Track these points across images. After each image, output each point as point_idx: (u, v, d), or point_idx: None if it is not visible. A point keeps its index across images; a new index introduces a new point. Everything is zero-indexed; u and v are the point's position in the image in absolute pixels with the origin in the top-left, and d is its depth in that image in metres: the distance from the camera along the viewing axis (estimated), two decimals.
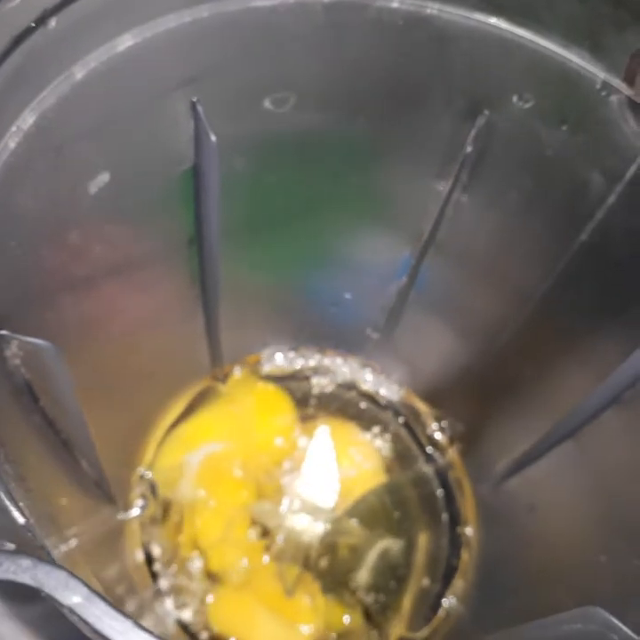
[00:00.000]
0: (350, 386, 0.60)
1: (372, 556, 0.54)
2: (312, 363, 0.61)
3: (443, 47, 0.36)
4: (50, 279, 0.32)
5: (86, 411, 0.35)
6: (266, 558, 0.52)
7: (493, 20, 0.34)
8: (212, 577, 0.52)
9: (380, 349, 0.59)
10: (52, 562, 0.14)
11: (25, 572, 0.13)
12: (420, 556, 0.55)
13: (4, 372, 0.28)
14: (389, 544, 0.54)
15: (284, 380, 0.60)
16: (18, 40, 0.25)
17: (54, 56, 0.27)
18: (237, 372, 0.60)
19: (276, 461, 0.56)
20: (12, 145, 0.26)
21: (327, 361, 0.61)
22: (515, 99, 0.37)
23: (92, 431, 0.37)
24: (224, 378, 0.59)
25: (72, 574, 0.13)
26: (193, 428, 0.57)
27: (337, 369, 0.61)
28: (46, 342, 0.27)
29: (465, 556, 0.54)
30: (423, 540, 0.55)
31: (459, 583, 0.54)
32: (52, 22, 0.26)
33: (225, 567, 0.52)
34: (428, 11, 0.34)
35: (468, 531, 0.55)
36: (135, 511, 0.53)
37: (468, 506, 0.56)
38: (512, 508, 0.52)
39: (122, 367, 0.46)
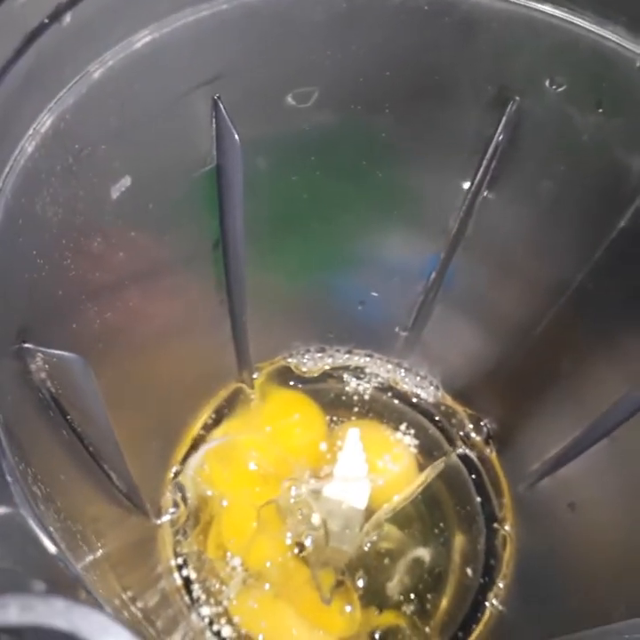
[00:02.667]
0: (381, 386, 0.59)
1: (409, 560, 0.52)
2: (340, 363, 0.60)
3: (469, 32, 0.35)
4: (73, 288, 0.31)
5: (114, 421, 0.34)
6: (299, 564, 0.51)
7: (525, 1, 0.32)
8: (245, 582, 0.50)
9: (410, 348, 0.57)
10: (89, 600, 0.12)
11: (59, 615, 0.12)
12: (459, 558, 0.53)
13: (29, 386, 0.27)
14: (427, 547, 0.53)
15: (312, 382, 0.59)
16: (31, 38, 0.24)
17: (70, 54, 0.26)
18: (265, 376, 0.58)
19: (307, 464, 0.55)
20: (30, 149, 0.25)
21: (356, 361, 0.60)
22: (547, 83, 0.35)
23: (120, 442, 0.36)
24: (252, 382, 0.58)
25: (111, 616, 0.12)
26: (222, 433, 0.55)
27: (366, 369, 0.59)
28: (72, 354, 0.26)
29: (505, 556, 0.53)
30: (461, 541, 0.54)
31: (499, 585, 0.52)
32: (67, 18, 0.25)
33: (258, 571, 0.51)
34: None
35: (507, 530, 0.53)
36: (166, 517, 0.52)
37: (505, 505, 0.54)
38: (551, 506, 0.50)
39: (149, 375, 0.45)
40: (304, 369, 0.59)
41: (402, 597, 0.51)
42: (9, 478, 0.17)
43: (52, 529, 0.19)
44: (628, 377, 0.41)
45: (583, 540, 0.46)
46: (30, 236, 0.26)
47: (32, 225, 0.26)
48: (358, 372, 0.59)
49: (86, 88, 0.27)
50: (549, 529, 0.50)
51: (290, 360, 0.59)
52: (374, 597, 0.51)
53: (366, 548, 0.52)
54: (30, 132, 0.25)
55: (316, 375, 0.59)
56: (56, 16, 0.24)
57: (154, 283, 0.42)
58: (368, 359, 0.59)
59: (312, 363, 0.59)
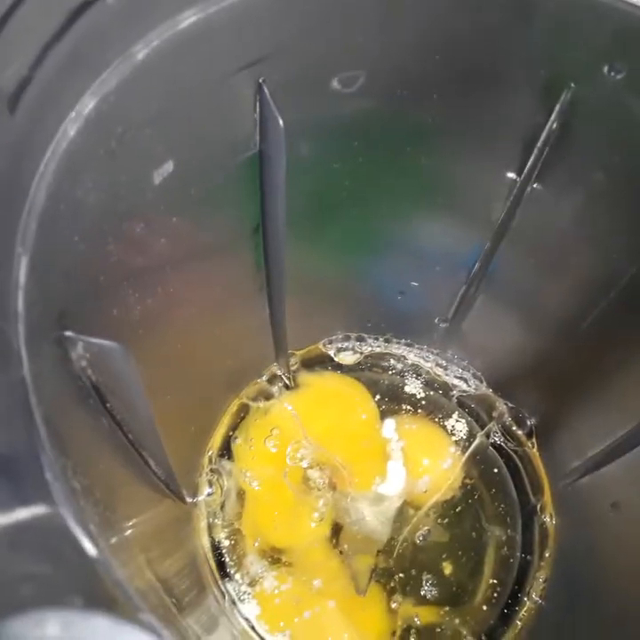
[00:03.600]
0: (420, 376, 0.58)
1: (446, 554, 0.52)
2: (379, 351, 0.59)
3: (525, 14, 0.33)
4: (114, 274, 0.31)
5: (153, 406, 0.33)
6: (333, 553, 0.51)
7: None
8: (278, 569, 0.50)
9: (449, 339, 0.56)
10: (128, 606, 0.12)
11: (100, 635, 0.11)
12: (497, 552, 0.52)
13: (69, 375, 0.26)
14: (465, 541, 0.52)
15: (350, 370, 0.58)
16: (74, 16, 0.23)
17: (113, 34, 0.26)
18: (302, 362, 0.58)
19: (350, 453, 0.54)
20: (72, 132, 0.24)
21: (395, 350, 0.59)
22: (605, 69, 0.34)
23: (159, 429, 0.35)
24: (288, 368, 0.57)
25: (159, 634, 0.11)
26: (262, 416, 0.55)
27: (405, 358, 0.59)
28: (113, 343, 0.26)
29: (545, 552, 0.52)
30: (500, 536, 0.53)
31: (539, 580, 0.52)
32: None
33: (291, 561, 0.50)
34: None
35: (546, 526, 0.52)
36: (201, 497, 0.52)
37: (545, 501, 0.53)
38: (592, 505, 0.49)
39: (187, 360, 0.45)
40: (342, 356, 0.58)
41: (438, 590, 0.50)
42: (48, 476, 0.17)
43: (91, 526, 0.18)
44: None
45: (625, 541, 0.45)
46: (72, 221, 0.26)
47: (73, 209, 0.26)
48: (397, 361, 0.59)
49: (130, 69, 0.27)
50: (591, 527, 0.49)
51: (328, 346, 0.59)
52: (410, 591, 0.50)
53: (403, 542, 0.51)
54: (72, 114, 0.24)
55: (353, 363, 0.58)
56: None
57: (194, 268, 0.41)
58: (407, 348, 0.59)
59: (350, 351, 0.58)
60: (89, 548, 0.16)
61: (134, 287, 0.33)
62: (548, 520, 0.52)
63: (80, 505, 0.20)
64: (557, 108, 0.36)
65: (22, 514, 0.16)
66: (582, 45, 0.34)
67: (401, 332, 0.58)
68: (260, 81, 0.33)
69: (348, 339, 0.59)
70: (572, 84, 0.35)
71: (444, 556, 0.51)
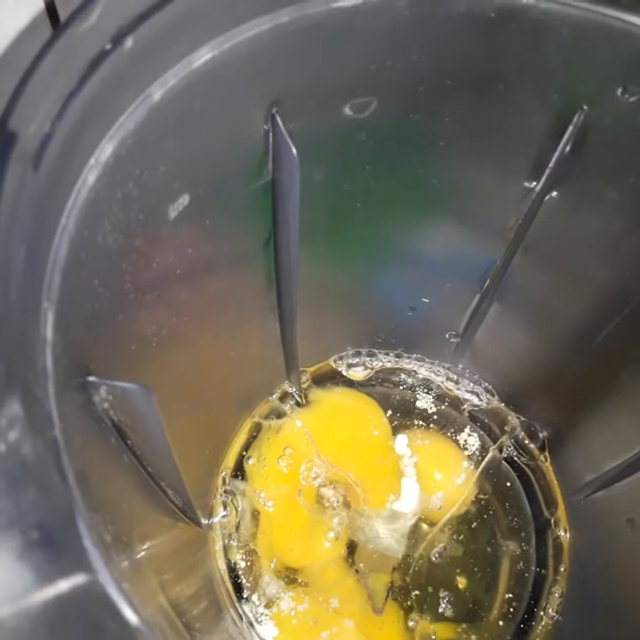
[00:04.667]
0: (431, 391, 0.58)
1: (462, 570, 0.52)
2: (390, 367, 0.59)
3: (538, 39, 0.33)
4: (132, 311, 0.31)
5: (169, 435, 0.33)
6: (348, 571, 0.51)
7: (600, 8, 0.31)
8: (295, 589, 0.50)
9: (461, 354, 0.56)
10: None
11: None
12: (512, 567, 0.52)
13: (93, 418, 0.26)
14: (480, 557, 0.52)
15: (361, 386, 0.58)
16: (94, 65, 0.23)
17: (132, 78, 0.25)
18: (313, 379, 0.58)
19: (363, 470, 0.54)
20: (92, 179, 0.24)
21: (406, 365, 0.59)
22: (619, 92, 0.34)
23: (175, 454, 0.35)
24: (300, 385, 0.57)
25: None
26: (274, 435, 0.55)
27: (416, 373, 0.58)
28: (136, 385, 0.26)
29: (560, 567, 0.52)
30: (514, 550, 0.53)
31: (555, 595, 0.51)
32: (129, 42, 0.24)
33: (307, 580, 0.50)
34: (525, 0, 0.31)
35: (561, 541, 0.52)
36: (216, 519, 0.52)
37: (559, 516, 0.53)
38: (608, 520, 0.49)
39: (202, 383, 0.45)
40: (352, 372, 0.58)
41: (455, 607, 0.50)
42: (86, 542, 0.17)
43: (126, 586, 0.18)
44: None
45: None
46: (92, 267, 0.26)
47: (94, 255, 0.26)
48: (408, 376, 0.58)
49: (147, 111, 0.26)
50: (606, 543, 0.49)
51: (339, 362, 0.59)
52: (427, 608, 0.50)
53: (419, 559, 0.51)
54: (92, 162, 0.24)
55: (364, 379, 0.58)
56: (118, 40, 0.24)
57: (208, 294, 0.41)
58: (418, 363, 0.58)
59: (361, 366, 0.58)
60: (131, 616, 0.16)
61: (151, 321, 0.33)
62: (563, 534, 0.52)
63: (113, 559, 0.20)
64: (570, 130, 0.36)
65: (64, 586, 0.16)
66: (595, 69, 0.34)
67: (411, 347, 0.58)
68: (274, 111, 0.33)
69: (358, 354, 0.59)
70: (585, 107, 0.35)
71: (459, 572, 0.51)
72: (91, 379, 0.25)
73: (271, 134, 0.34)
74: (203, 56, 0.28)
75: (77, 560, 0.16)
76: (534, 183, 0.40)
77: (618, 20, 0.31)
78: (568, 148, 0.36)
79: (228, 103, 0.31)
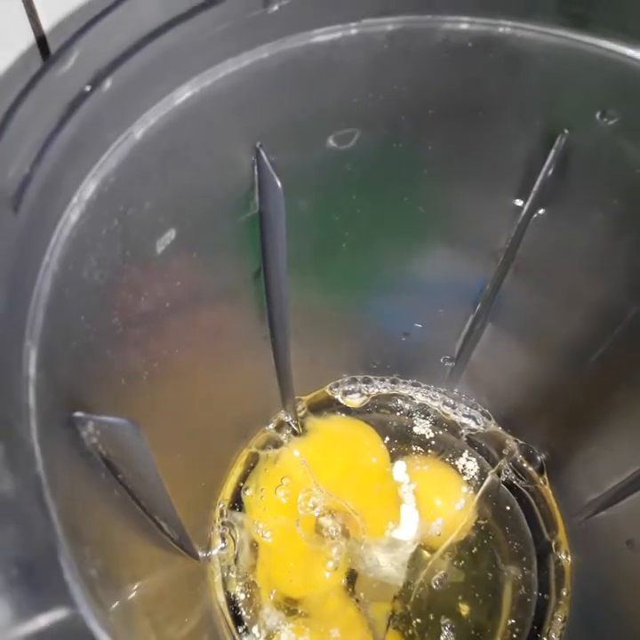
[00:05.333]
0: (428, 416, 0.58)
1: (463, 597, 0.51)
2: (386, 393, 0.59)
3: (516, 67, 0.34)
4: (121, 346, 0.31)
5: (163, 467, 0.33)
6: (349, 600, 0.50)
7: (575, 35, 0.31)
8: (295, 620, 0.50)
9: (456, 378, 0.56)
10: None
11: None
12: (514, 592, 0.52)
13: (81, 453, 0.26)
14: (481, 583, 0.51)
15: (358, 413, 0.58)
16: (73, 107, 0.23)
17: (112, 118, 0.26)
18: (309, 407, 0.58)
19: (362, 498, 0.54)
20: (74, 217, 0.25)
21: (402, 390, 0.59)
22: (597, 115, 0.34)
23: (169, 487, 0.35)
24: (296, 414, 0.57)
25: None
26: (271, 465, 0.55)
27: (413, 398, 0.59)
28: (123, 419, 0.26)
29: (562, 591, 0.51)
30: (515, 575, 0.52)
31: (557, 619, 0.51)
32: (107, 83, 0.25)
33: (307, 609, 0.50)
34: (501, 29, 0.32)
35: (562, 564, 0.52)
36: (215, 551, 0.52)
37: (560, 539, 0.53)
38: (608, 542, 0.49)
39: (196, 416, 0.45)
40: (349, 399, 0.58)
41: (457, 634, 0.50)
42: (67, 577, 0.17)
43: (112, 620, 0.18)
44: None
45: None
46: (77, 303, 0.26)
47: (79, 291, 0.26)
48: (404, 401, 0.58)
49: (129, 149, 0.27)
50: (607, 566, 0.48)
51: (335, 390, 0.59)
52: (429, 636, 0.49)
53: (420, 586, 0.51)
54: (74, 200, 0.24)
55: (360, 406, 0.58)
56: (96, 82, 0.24)
57: (200, 325, 0.42)
58: (414, 388, 0.59)
59: (357, 393, 0.58)
60: None
61: (141, 355, 0.33)
62: (564, 557, 0.52)
63: (97, 593, 0.20)
64: (552, 154, 0.37)
65: (43, 621, 0.16)
66: (574, 95, 0.34)
67: (407, 373, 0.58)
68: (258, 145, 0.33)
69: (354, 381, 0.59)
70: (566, 131, 0.36)
71: (461, 599, 0.51)
72: (77, 414, 0.25)
73: (256, 167, 0.34)
74: (184, 94, 0.29)
75: (58, 595, 0.17)
76: (521, 203, 0.40)
77: (593, 47, 0.31)
78: (551, 172, 0.37)
79: (211, 139, 0.31)
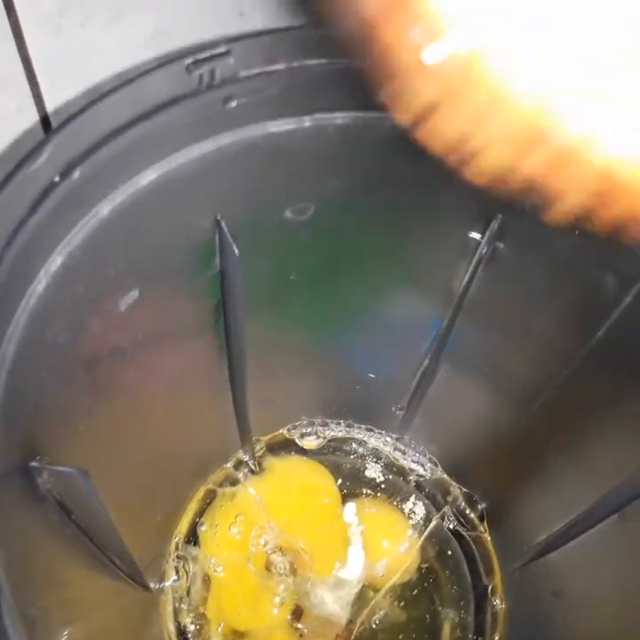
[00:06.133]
0: (379, 461, 0.61)
1: (403, 636, 0.54)
2: (341, 436, 0.62)
3: None
4: (81, 398, 0.34)
5: (119, 503, 0.36)
6: (294, 635, 0.53)
7: None
8: None
9: (406, 425, 0.59)
10: None
11: None
12: (452, 635, 0.55)
13: (35, 499, 0.29)
14: (420, 624, 0.54)
15: (314, 454, 0.61)
16: (43, 195, 0.27)
17: (79, 201, 0.29)
18: (267, 447, 0.61)
19: (312, 537, 0.56)
20: (40, 288, 0.28)
21: (356, 434, 0.62)
22: (527, 204, 0.38)
23: (124, 520, 0.38)
24: (254, 454, 0.60)
25: None
26: (227, 502, 0.57)
27: (366, 442, 0.61)
28: (74, 469, 0.29)
29: (494, 637, 0.54)
30: (453, 619, 0.55)
31: None
32: (76, 173, 0.28)
33: None
34: None
35: (496, 612, 0.55)
36: (168, 583, 0.54)
37: (496, 586, 0.55)
38: (536, 592, 0.51)
39: (155, 456, 0.47)
40: (306, 441, 0.61)
41: None
42: (7, 622, 0.19)
43: None
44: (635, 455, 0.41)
45: (570, 630, 0.47)
46: (40, 362, 0.29)
47: (43, 352, 0.29)
48: (358, 445, 0.61)
49: (95, 226, 0.30)
50: (537, 614, 0.51)
51: (293, 432, 0.62)
52: None
53: (361, 625, 0.53)
54: (41, 274, 0.28)
55: (317, 447, 0.61)
56: (66, 174, 0.27)
57: (161, 370, 0.44)
58: (368, 433, 0.61)
59: (314, 435, 0.61)
60: None
61: (101, 404, 0.36)
62: (499, 603, 0.54)
63: (39, 633, 0.22)
64: (487, 234, 0.40)
65: None
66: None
67: (361, 418, 0.61)
68: (218, 218, 0.37)
69: (311, 424, 0.61)
70: (500, 215, 0.39)
71: (400, 638, 0.54)
72: (33, 464, 0.28)
73: (217, 236, 0.38)
74: (149, 176, 0.32)
75: None
76: (460, 282, 0.44)
77: None
78: (485, 250, 0.41)
79: (175, 213, 0.35)
